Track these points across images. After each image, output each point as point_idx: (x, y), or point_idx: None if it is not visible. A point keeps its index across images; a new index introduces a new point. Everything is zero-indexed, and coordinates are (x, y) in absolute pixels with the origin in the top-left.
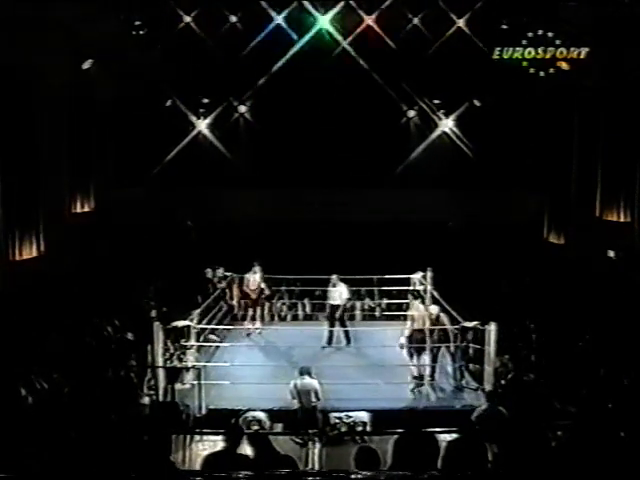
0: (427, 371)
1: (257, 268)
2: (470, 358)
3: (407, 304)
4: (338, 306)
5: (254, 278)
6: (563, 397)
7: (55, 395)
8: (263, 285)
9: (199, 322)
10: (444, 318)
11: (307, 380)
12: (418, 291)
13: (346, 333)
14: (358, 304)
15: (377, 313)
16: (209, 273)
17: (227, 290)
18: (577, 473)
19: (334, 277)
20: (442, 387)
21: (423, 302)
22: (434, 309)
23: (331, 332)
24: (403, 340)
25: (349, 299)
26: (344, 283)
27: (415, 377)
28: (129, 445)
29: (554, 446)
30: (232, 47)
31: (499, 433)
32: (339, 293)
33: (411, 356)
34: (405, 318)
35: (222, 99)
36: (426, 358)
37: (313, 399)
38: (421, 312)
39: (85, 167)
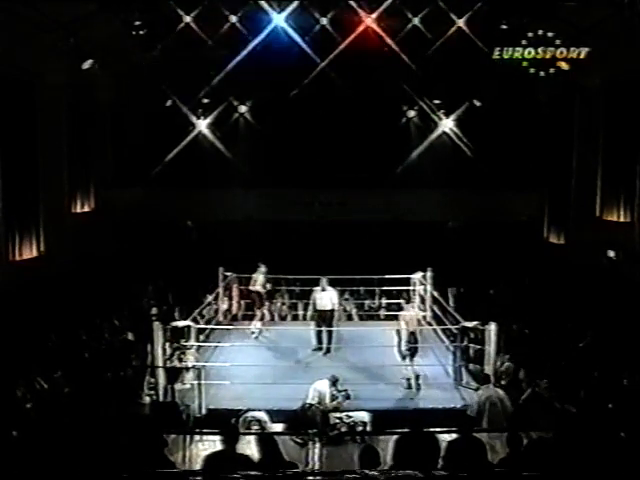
0: (421, 372)
1: (263, 269)
2: (470, 358)
3: (401, 305)
4: (332, 311)
5: (260, 278)
6: (563, 397)
7: (55, 395)
8: (268, 285)
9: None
10: None
11: (325, 387)
12: (408, 292)
13: (330, 338)
14: (352, 304)
15: (380, 314)
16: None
17: (226, 290)
18: (577, 473)
19: (323, 281)
20: (442, 387)
21: (423, 302)
22: None
23: (320, 335)
24: (403, 346)
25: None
26: (332, 287)
27: (408, 379)
28: (128, 445)
29: (554, 445)
30: (232, 47)
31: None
32: (329, 298)
33: (403, 358)
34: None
35: (222, 99)
36: (418, 359)
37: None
38: (413, 314)
39: (85, 167)
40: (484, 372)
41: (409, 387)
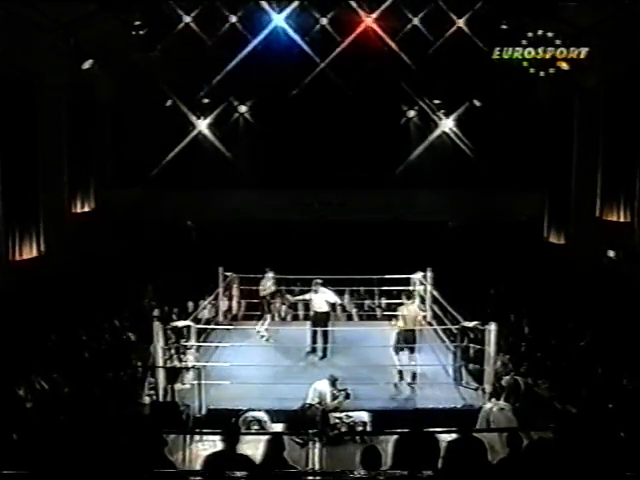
0: (418, 370)
1: (270, 274)
2: (470, 358)
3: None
4: (327, 313)
5: (268, 284)
6: (563, 397)
7: (55, 395)
8: (274, 288)
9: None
10: None
11: (325, 387)
12: (409, 291)
13: (325, 340)
14: (352, 304)
15: (377, 313)
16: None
17: (226, 290)
18: (578, 473)
19: (317, 283)
20: (442, 387)
21: (423, 302)
22: None
23: (314, 337)
24: (394, 341)
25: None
26: (326, 288)
27: (400, 372)
28: (128, 445)
29: (554, 445)
30: (232, 47)
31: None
32: (325, 299)
33: (397, 354)
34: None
35: (222, 99)
36: (416, 357)
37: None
38: (412, 312)
39: (85, 167)
40: (486, 390)
41: (401, 380)
